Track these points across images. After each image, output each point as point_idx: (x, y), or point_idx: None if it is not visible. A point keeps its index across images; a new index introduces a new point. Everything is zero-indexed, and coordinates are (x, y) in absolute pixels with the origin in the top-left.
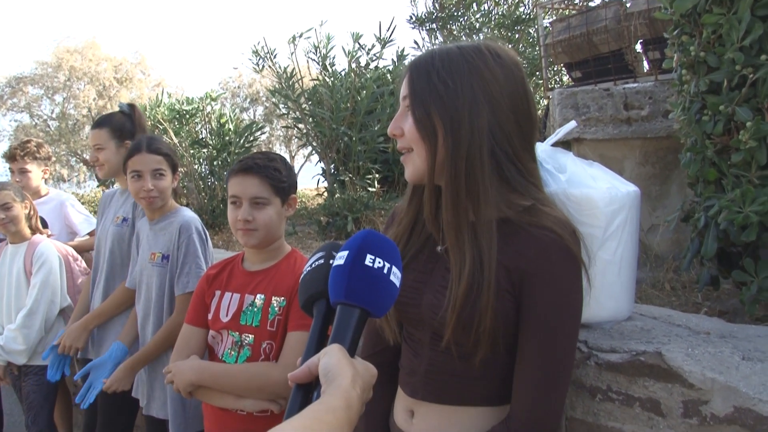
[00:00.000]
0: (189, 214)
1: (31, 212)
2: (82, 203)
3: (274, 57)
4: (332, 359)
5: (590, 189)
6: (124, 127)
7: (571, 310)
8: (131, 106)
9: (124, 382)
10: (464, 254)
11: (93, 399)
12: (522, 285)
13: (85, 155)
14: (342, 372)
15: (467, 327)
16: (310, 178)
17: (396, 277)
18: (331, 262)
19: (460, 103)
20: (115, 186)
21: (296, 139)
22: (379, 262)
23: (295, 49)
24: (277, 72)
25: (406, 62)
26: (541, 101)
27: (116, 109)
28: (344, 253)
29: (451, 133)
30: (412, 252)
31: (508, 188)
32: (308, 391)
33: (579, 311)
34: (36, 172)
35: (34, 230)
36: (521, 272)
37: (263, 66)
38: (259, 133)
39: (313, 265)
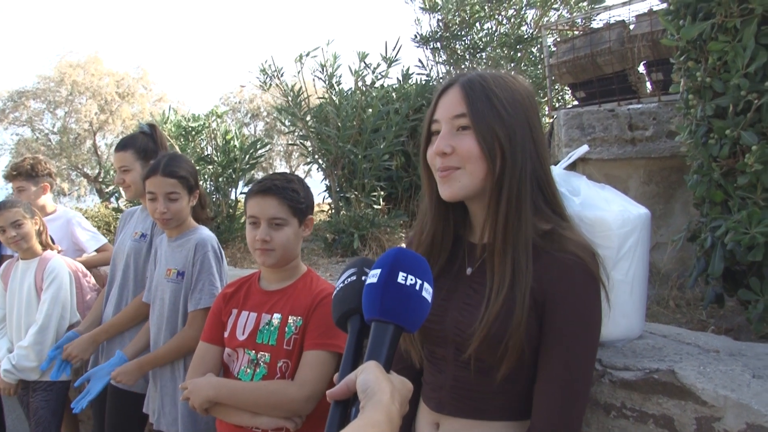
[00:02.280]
0: (206, 233)
1: (41, 228)
2: (86, 218)
3: (281, 75)
4: (370, 375)
5: (603, 212)
6: (148, 147)
7: (591, 329)
8: (152, 126)
9: (130, 377)
10: (505, 274)
11: (85, 405)
12: (544, 305)
13: (86, 169)
14: (381, 387)
15: (494, 342)
16: (314, 194)
17: (428, 292)
18: (363, 278)
19: (517, 128)
20: (120, 202)
21: (296, 155)
22: (411, 279)
23: (301, 68)
24: (284, 90)
25: (412, 81)
26: (544, 120)
27: (118, 123)
28: (377, 272)
29: (511, 155)
30: (435, 271)
31: (534, 211)
32: (346, 407)
33: (598, 331)
34: (35, 190)
35: (45, 246)
36: (544, 292)
37: (270, 84)
38: (262, 149)
39: (346, 282)
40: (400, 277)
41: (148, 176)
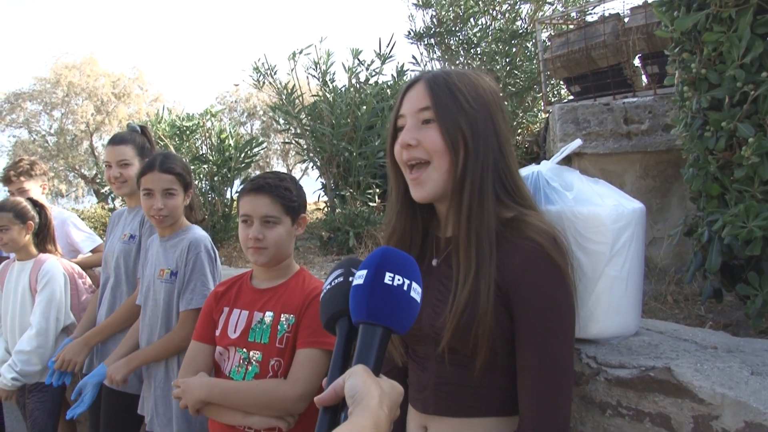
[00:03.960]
0: (200, 233)
1: (45, 228)
2: (82, 219)
3: (275, 73)
4: (358, 380)
5: (597, 206)
6: (145, 145)
7: (560, 315)
8: (143, 127)
9: (119, 373)
10: (470, 264)
11: (77, 414)
12: (509, 294)
13: (83, 170)
14: (369, 392)
15: (465, 331)
16: (310, 192)
17: (416, 292)
18: (350, 279)
19: (480, 121)
20: (116, 202)
21: (294, 153)
22: (399, 279)
23: (295, 66)
24: (278, 88)
25: (406, 78)
26: (539, 115)
27: (114, 124)
28: (363, 272)
29: (473, 147)
30: None
31: (498, 202)
32: (335, 413)
33: (569, 315)
34: (35, 190)
35: (46, 246)
36: (507, 282)
37: (264, 82)
38: (258, 148)
39: (333, 284)
40: (387, 278)
41: (144, 173)
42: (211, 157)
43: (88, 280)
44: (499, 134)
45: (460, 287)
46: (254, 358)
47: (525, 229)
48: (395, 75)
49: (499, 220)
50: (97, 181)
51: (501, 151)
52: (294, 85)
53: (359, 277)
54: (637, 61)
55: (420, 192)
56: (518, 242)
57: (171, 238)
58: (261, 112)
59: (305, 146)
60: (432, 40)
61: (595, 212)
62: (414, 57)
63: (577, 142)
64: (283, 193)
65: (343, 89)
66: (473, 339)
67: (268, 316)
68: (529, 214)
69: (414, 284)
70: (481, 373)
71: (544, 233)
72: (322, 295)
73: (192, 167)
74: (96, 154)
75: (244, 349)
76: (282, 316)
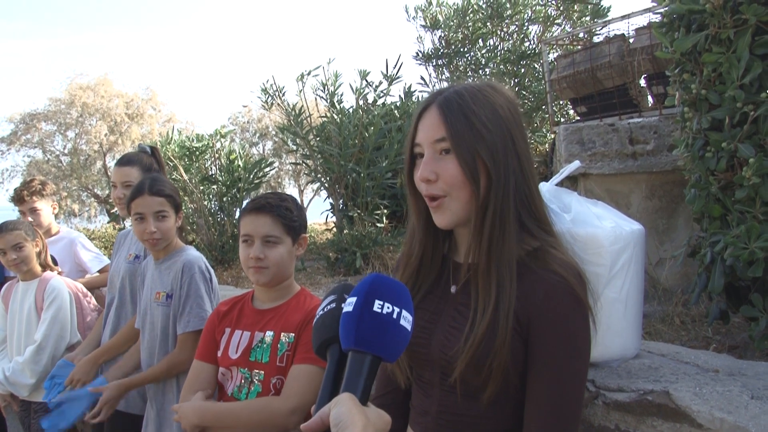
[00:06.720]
0: (193, 254)
1: (41, 249)
2: (93, 239)
3: (283, 94)
4: (343, 409)
5: (595, 228)
6: (152, 166)
7: (578, 352)
8: (153, 148)
9: (113, 402)
10: (490, 294)
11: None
12: (529, 326)
13: (96, 190)
14: (353, 422)
15: (479, 364)
16: (319, 213)
17: (407, 321)
18: (342, 305)
19: (500, 146)
20: (127, 222)
21: (305, 174)
22: (388, 308)
23: (303, 87)
24: (286, 109)
25: (414, 98)
26: (547, 135)
27: (128, 144)
28: (353, 300)
29: (495, 175)
30: (422, 292)
31: (521, 229)
32: None
33: (587, 354)
34: (46, 210)
35: (44, 267)
36: (528, 314)
37: (272, 103)
38: (268, 168)
39: (325, 309)
40: (376, 306)
41: (134, 198)
42: (220, 178)
43: (93, 300)
44: (520, 155)
45: (479, 318)
46: (256, 378)
47: (550, 261)
48: (403, 96)
49: (523, 248)
50: (110, 201)
51: (523, 173)
52: (302, 106)
53: (349, 305)
54: (642, 82)
55: (440, 220)
56: (542, 274)
57: (165, 261)
58: (273, 133)
59: (313, 167)
60: (440, 61)
61: (593, 234)
62: (422, 78)
63: (576, 164)
64: (284, 212)
65: (350, 110)
66: (487, 371)
67: (269, 335)
68: (552, 243)
69: (404, 312)
70: (489, 405)
71: (568, 267)
72: (315, 321)
73: (201, 188)
74: (109, 174)
75: (246, 369)
76: (282, 334)
